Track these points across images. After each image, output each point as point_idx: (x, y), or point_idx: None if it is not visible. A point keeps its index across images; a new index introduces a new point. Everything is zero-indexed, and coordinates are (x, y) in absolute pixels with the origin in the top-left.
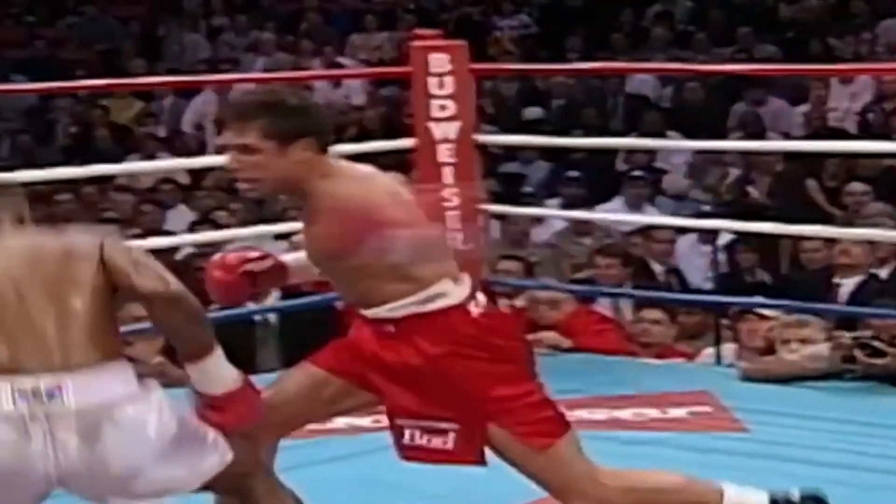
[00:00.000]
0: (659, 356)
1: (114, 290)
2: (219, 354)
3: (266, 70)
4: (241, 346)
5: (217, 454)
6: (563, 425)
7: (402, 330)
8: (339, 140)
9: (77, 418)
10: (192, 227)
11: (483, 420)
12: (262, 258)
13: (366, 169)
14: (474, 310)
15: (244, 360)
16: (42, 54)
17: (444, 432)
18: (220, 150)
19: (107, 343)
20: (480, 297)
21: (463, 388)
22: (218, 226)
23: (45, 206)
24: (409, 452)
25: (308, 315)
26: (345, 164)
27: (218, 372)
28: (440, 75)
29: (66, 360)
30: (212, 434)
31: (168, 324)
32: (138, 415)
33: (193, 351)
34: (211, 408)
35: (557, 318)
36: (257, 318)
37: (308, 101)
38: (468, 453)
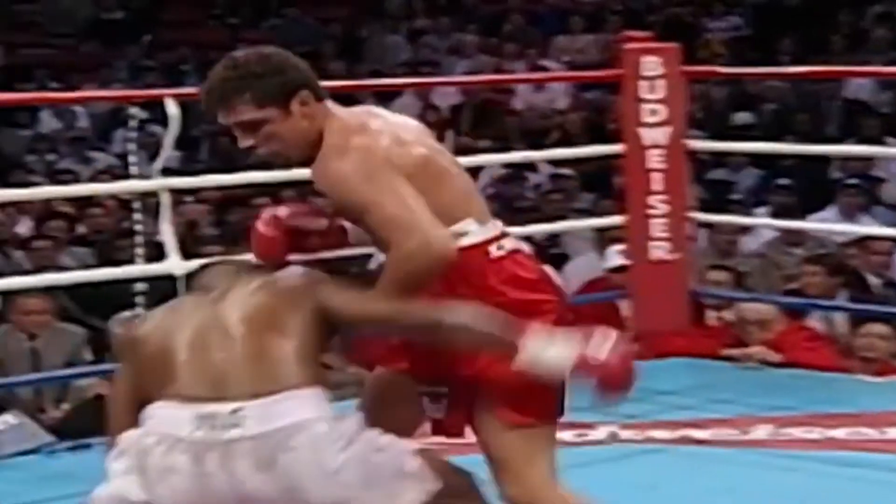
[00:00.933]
0: (878, 373)
1: (329, 326)
2: (528, 343)
3: (468, 73)
4: None
5: (418, 483)
6: (550, 414)
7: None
8: (542, 144)
9: (255, 446)
10: None
11: (471, 382)
12: (315, 216)
13: (367, 111)
14: (495, 252)
15: None
16: None
17: (439, 398)
18: None
19: (301, 371)
20: (509, 242)
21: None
22: None
23: (243, 209)
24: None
25: None
26: (346, 110)
27: (545, 354)
28: (651, 79)
29: (252, 388)
30: (414, 462)
31: (439, 343)
32: (321, 442)
33: (502, 352)
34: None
35: (767, 338)
36: None
37: (278, 57)
38: (455, 425)
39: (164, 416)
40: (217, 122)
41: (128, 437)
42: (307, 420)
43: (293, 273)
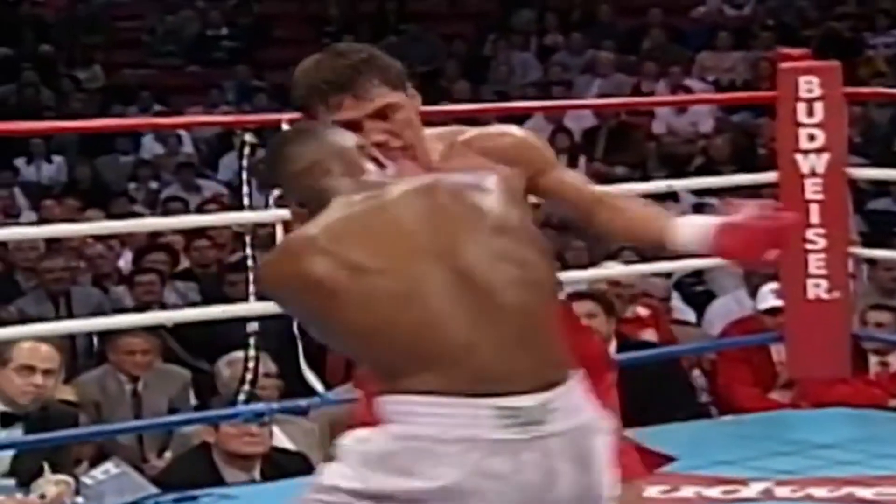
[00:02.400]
0: None
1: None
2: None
3: (603, 94)
4: None
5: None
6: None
7: None
8: (684, 172)
9: (569, 443)
10: None
11: None
12: None
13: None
14: None
15: None
16: None
17: None
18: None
19: (563, 347)
20: None
21: None
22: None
23: None
24: None
25: None
26: None
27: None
28: (810, 101)
29: (545, 372)
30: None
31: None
32: (605, 437)
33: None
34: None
35: None
36: None
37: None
38: None
39: (451, 414)
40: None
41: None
42: (594, 413)
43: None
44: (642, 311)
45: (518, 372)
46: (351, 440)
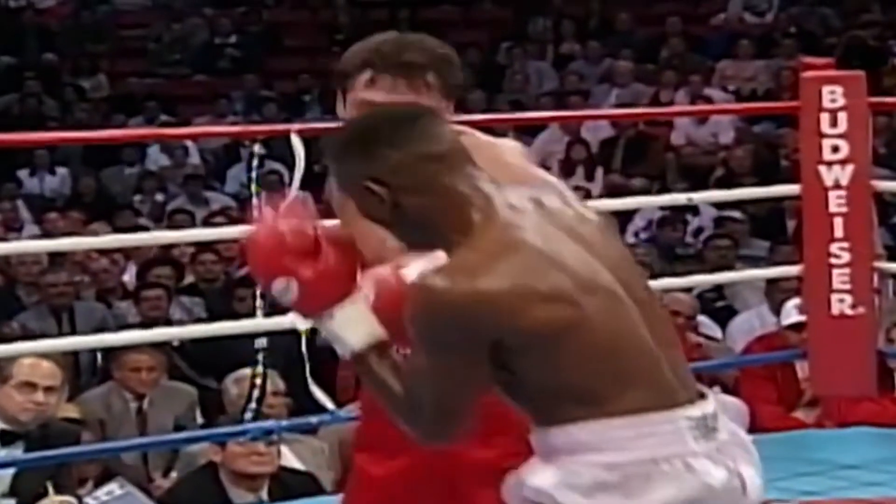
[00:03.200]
0: None
1: None
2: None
3: (621, 103)
4: None
5: None
6: None
7: None
8: (705, 183)
9: (741, 449)
10: None
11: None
12: None
13: None
14: None
15: None
16: None
17: None
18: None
19: None
20: None
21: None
22: None
23: None
24: None
25: None
26: None
27: None
28: (833, 111)
29: (692, 379)
30: None
31: None
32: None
33: None
34: None
35: None
36: None
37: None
38: None
39: (655, 432)
40: None
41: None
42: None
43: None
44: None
45: (683, 382)
46: (549, 481)
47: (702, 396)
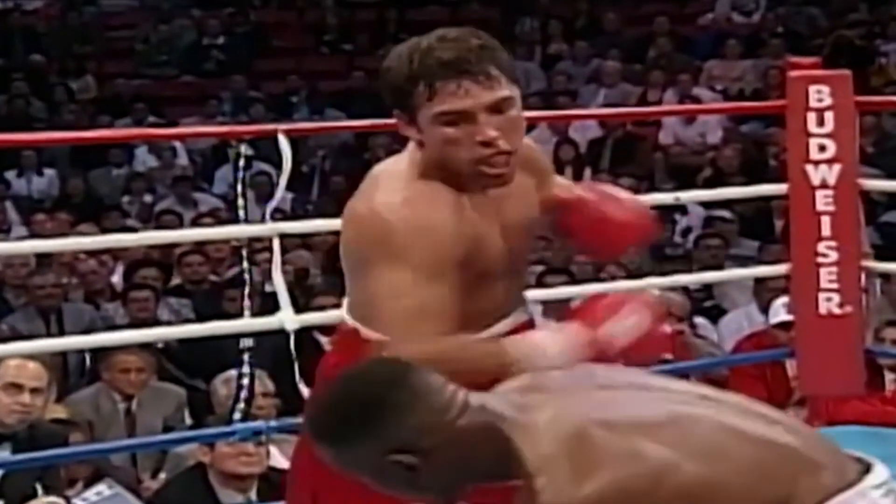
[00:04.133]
0: None
1: None
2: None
3: (608, 103)
4: None
5: None
6: None
7: None
8: (693, 183)
9: None
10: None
11: None
12: None
13: None
14: None
15: None
16: (360, 87)
17: None
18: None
19: None
20: None
21: None
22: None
23: None
24: None
25: None
26: None
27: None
28: (820, 110)
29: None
30: None
31: None
32: None
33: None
34: None
35: None
36: None
37: None
38: None
39: None
40: (330, 159)
41: None
42: None
43: None
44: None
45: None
46: None
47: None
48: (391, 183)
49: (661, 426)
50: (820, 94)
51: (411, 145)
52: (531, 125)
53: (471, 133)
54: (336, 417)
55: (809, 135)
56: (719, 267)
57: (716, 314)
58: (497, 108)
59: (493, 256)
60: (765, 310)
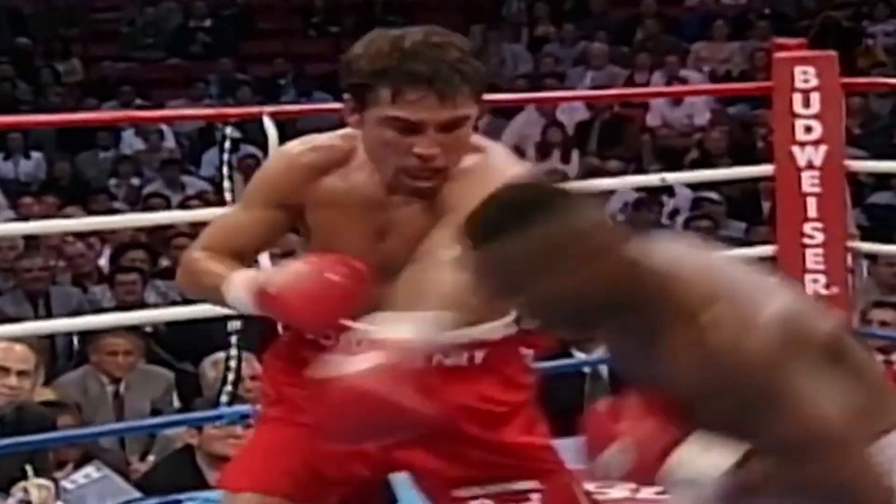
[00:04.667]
0: None
1: None
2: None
3: (596, 86)
4: (568, 400)
5: None
6: None
7: (493, 359)
8: (680, 165)
9: None
10: None
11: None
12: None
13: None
14: None
15: (571, 416)
16: None
17: (524, 497)
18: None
19: None
20: None
21: (542, 433)
22: None
23: None
24: None
25: None
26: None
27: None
28: (806, 91)
29: None
30: None
31: None
32: None
33: None
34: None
35: None
36: (587, 369)
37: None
38: None
39: None
40: None
41: None
42: None
43: None
44: None
45: None
46: None
47: None
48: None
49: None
50: (806, 76)
51: None
52: (519, 107)
53: (410, 143)
54: (504, 213)
55: (795, 116)
56: None
57: None
58: (448, 125)
59: (353, 243)
60: None
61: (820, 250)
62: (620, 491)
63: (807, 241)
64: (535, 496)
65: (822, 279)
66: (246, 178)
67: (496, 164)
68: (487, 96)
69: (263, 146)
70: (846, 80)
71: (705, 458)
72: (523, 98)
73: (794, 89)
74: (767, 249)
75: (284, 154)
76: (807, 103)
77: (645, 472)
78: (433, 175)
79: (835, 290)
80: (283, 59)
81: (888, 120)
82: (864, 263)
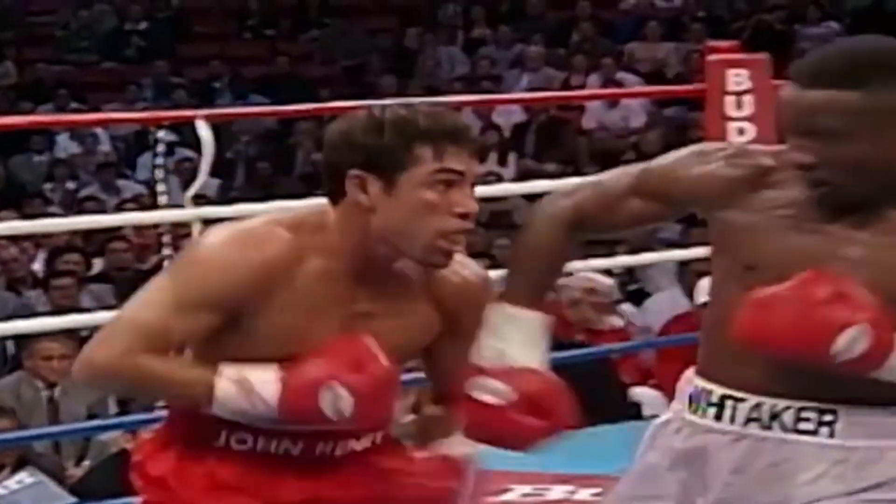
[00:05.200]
0: None
1: None
2: None
3: (532, 88)
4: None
5: None
6: None
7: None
8: (616, 166)
9: None
10: None
11: None
12: None
13: None
14: None
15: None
16: (283, 72)
17: None
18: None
19: None
20: None
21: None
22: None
23: None
24: None
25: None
26: None
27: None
28: (738, 94)
29: None
30: None
31: None
32: None
33: None
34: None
35: None
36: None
37: None
38: None
39: None
40: (254, 145)
41: None
42: None
43: None
44: (617, 322)
45: None
46: None
47: None
48: (270, 218)
49: None
50: (739, 78)
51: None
52: (455, 109)
53: (451, 203)
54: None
55: (728, 118)
56: (646, 250)
57: (640, 298)
58: (475, 183)
59: (315, 344)
60: (689, 293)
61: None
62: (557, 493)
63: None
64: None
65: None
66: (182, 182)
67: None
68: (423, 100)
69: (199, 149)
70: (779, 82)
71: None
72: (459, 101)
73: (726, 92)
74: (703, 251)
75: (226, 253)
76: (739, 106)
77: (880, 354)
78: (463, 239)
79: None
80: (219, 62)
81: None
82: None
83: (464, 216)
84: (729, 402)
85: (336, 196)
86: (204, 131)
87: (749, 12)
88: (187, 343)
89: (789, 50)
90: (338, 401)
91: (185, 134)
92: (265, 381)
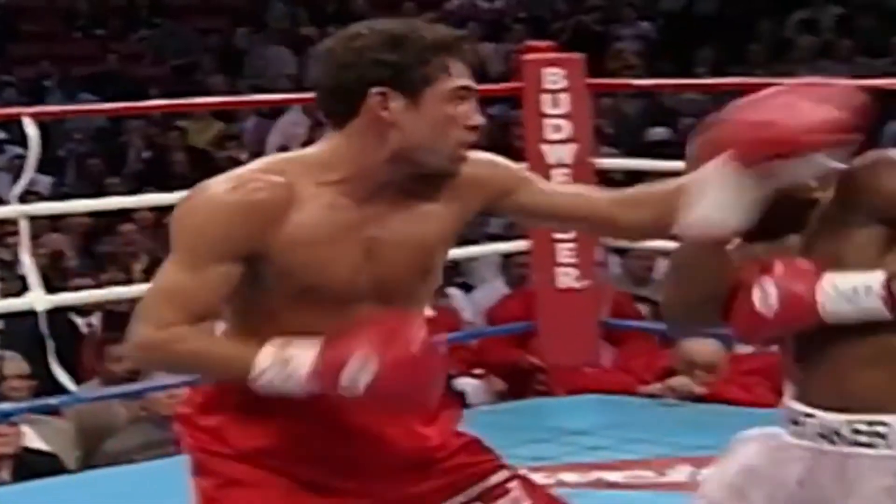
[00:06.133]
0: None
1: None
2: None
3: None
4: None
5: None
6: None
7: None
8: None
9: None
10: None
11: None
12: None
13: None
14: None
15: None
16: (112, 71)
17: (504, 490)
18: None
19: None
20: None
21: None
22: None
23: (111, 237)
24: None
25: None
26: None
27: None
28: (555, 92)
29: None
30: None
31: None
32: None
33: None
34: None
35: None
36: None
37: None
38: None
39: None
40: (85, 143)
41: None
42: None
43: None
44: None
45: None
46: None
47: None
48: (261, 162)
49: None
50: (554, 77)
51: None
52: (285, 106)
53: (465, 114)
54: None
55: (544, 115)
56: (472, 242)
57: (463, 291)
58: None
59: (340, 274)
60: (512, 285)
61: (571, 245)
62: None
63: (559, 235)
64: (512, 484)
65: (574, 273)
66: (14, 178)
67: None
68: (252, 98)
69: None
70: (593, 81)
71: (855, 278)
72: (288, 98)
73: (542, 90)
74: (522, 244)
75: (220, 200)
76: (555, 103)
77: (796, 305)
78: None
79: (586, 283)
80: (49, 61)
81: (639, 120)
82: (615, 258)
83: (474, 128)
84: (801, 418)
85: (345, 118)
86: (31, 129)
87: (568, 13)
88: (220, 307)
89: (607, 50)
90: (360, 373)
91: (16, 132)
92: (304, 357)
